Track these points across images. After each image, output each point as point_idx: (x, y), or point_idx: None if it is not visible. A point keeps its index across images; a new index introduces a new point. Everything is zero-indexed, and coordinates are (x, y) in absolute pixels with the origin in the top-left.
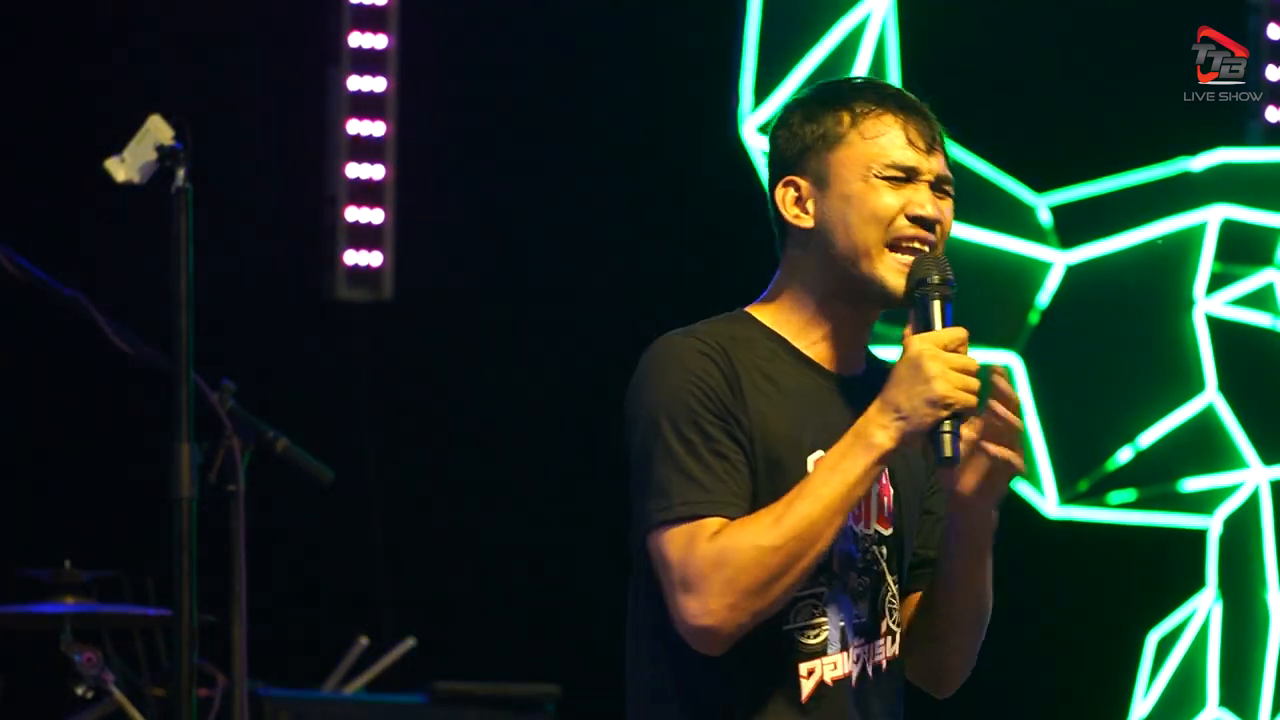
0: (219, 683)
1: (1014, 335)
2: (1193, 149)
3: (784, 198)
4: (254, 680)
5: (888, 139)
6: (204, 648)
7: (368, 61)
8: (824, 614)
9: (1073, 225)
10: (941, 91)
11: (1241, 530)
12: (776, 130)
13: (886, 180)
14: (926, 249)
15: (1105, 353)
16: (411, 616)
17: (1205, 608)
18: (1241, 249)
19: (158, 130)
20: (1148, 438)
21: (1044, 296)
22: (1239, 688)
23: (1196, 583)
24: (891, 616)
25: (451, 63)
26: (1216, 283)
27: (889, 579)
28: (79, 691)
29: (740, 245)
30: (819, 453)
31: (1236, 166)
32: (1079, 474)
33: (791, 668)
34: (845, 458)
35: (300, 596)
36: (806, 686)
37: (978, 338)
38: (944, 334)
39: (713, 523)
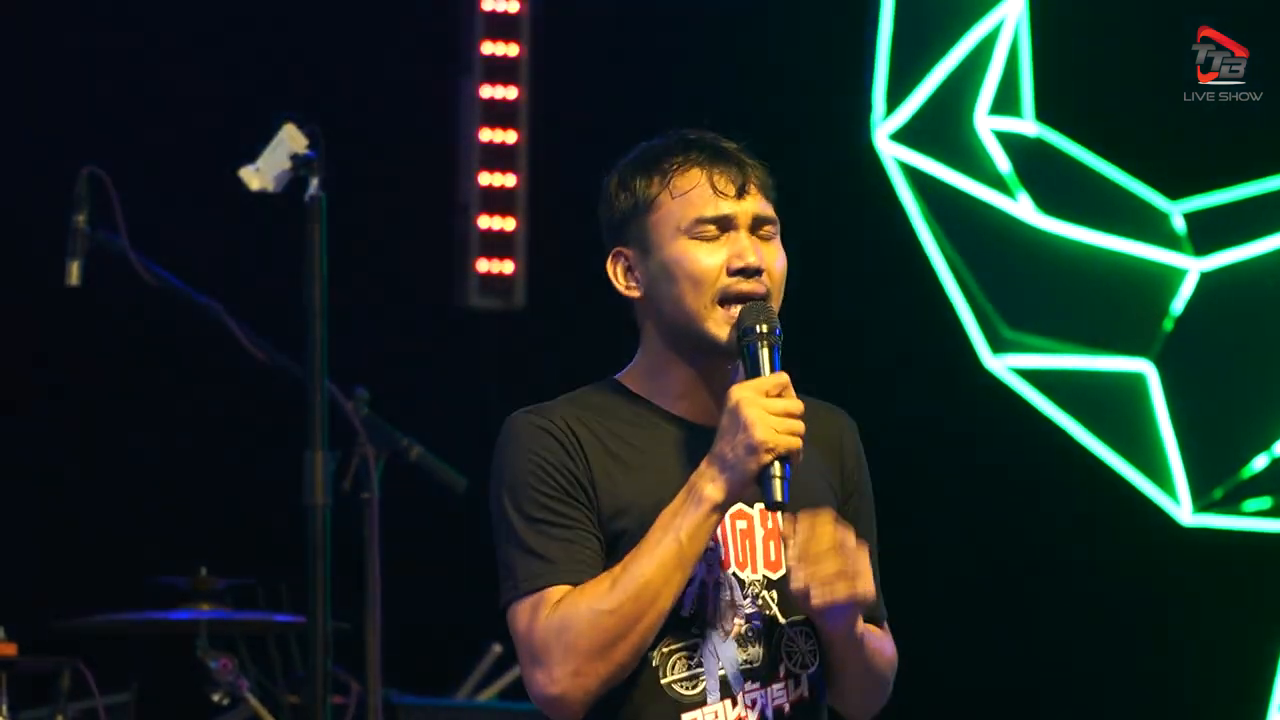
0: (353, 690)
1: (1148, 343)
2: None
3: (614, 271)
4: (387, 688)
5: (695, 193)
6: (338, 654)
7: (500, 70)
8: (700, 663)
9: (1207, 232)
10: (1074, 97)
11: None
12: (600, 205)
13: (699, 238)
14: (758, 297)
15: (1240, 360)
16: None
17: None
18: None
19: (292, 139)
20: None
21: (1178, 304)
22: None
23: None
24: (792, 659)
25: (582, 71)
26: None
27: (783, 622)
28: (214, 698)
29: (872, 249)
30: None
31: None
32: (1214, 482)
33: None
34: (677, 515)
35: (434, 604)
36: None
37: (1112, 345)
38: (764, 380)
39: (556, 592)
